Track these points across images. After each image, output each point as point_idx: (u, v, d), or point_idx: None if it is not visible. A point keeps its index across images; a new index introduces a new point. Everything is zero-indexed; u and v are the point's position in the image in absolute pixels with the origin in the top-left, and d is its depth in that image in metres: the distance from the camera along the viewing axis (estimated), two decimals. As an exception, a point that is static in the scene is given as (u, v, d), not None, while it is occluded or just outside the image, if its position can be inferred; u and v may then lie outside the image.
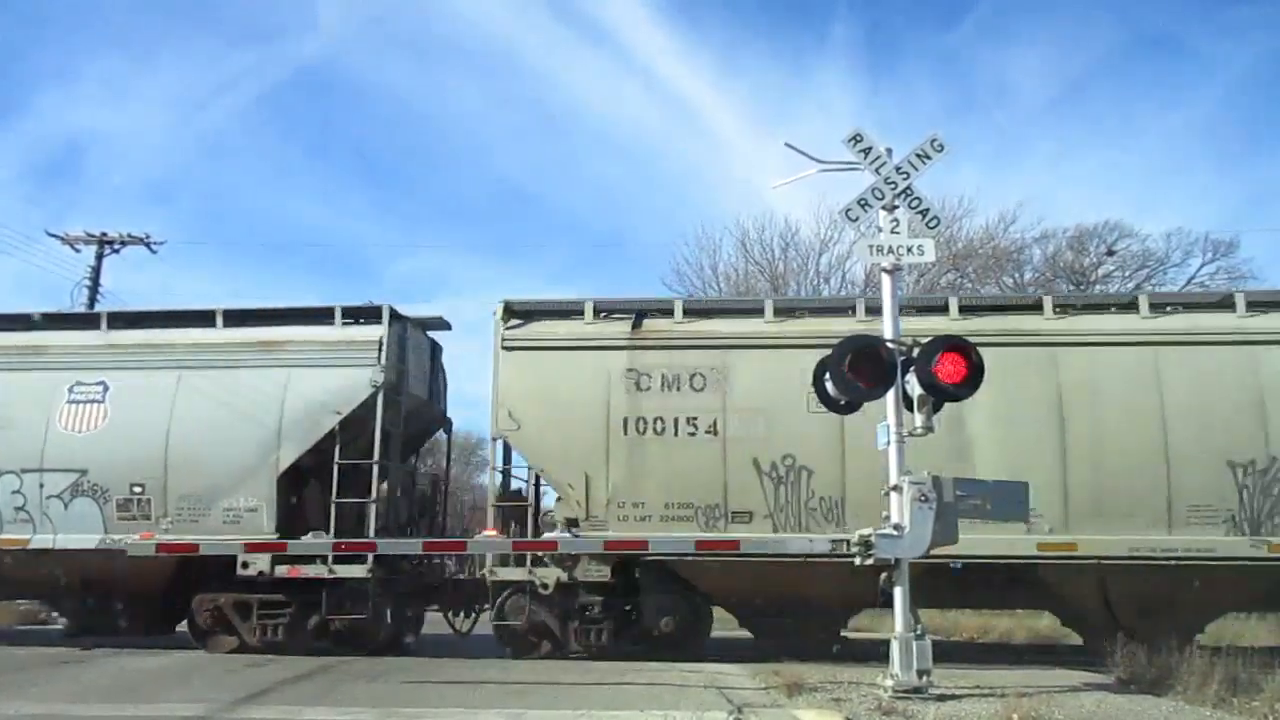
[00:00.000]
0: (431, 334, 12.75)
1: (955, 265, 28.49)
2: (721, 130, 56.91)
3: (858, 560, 7.67)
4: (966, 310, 10.97)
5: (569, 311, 11.29)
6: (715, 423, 10.51)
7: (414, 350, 12.01)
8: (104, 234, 26.23)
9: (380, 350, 11.17)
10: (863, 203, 8.26)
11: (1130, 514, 10.01)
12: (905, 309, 10.77)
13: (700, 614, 10.76)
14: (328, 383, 11.09)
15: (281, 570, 10.54)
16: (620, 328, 11.05)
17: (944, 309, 11.01)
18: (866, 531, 7.67)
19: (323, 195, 76.99)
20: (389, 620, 11.00)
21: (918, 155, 8.24)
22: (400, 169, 77.81)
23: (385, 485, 11.72)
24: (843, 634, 10.92)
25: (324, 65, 74.32)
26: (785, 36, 64.30)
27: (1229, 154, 54.48)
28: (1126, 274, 30.71)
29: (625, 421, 10.59)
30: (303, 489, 11.42)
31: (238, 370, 11.28)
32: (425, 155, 76.62)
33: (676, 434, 10.52)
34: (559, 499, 10.82)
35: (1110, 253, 30.21)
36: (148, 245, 26.77)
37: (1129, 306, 10.99)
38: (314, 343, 11.37)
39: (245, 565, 10.50)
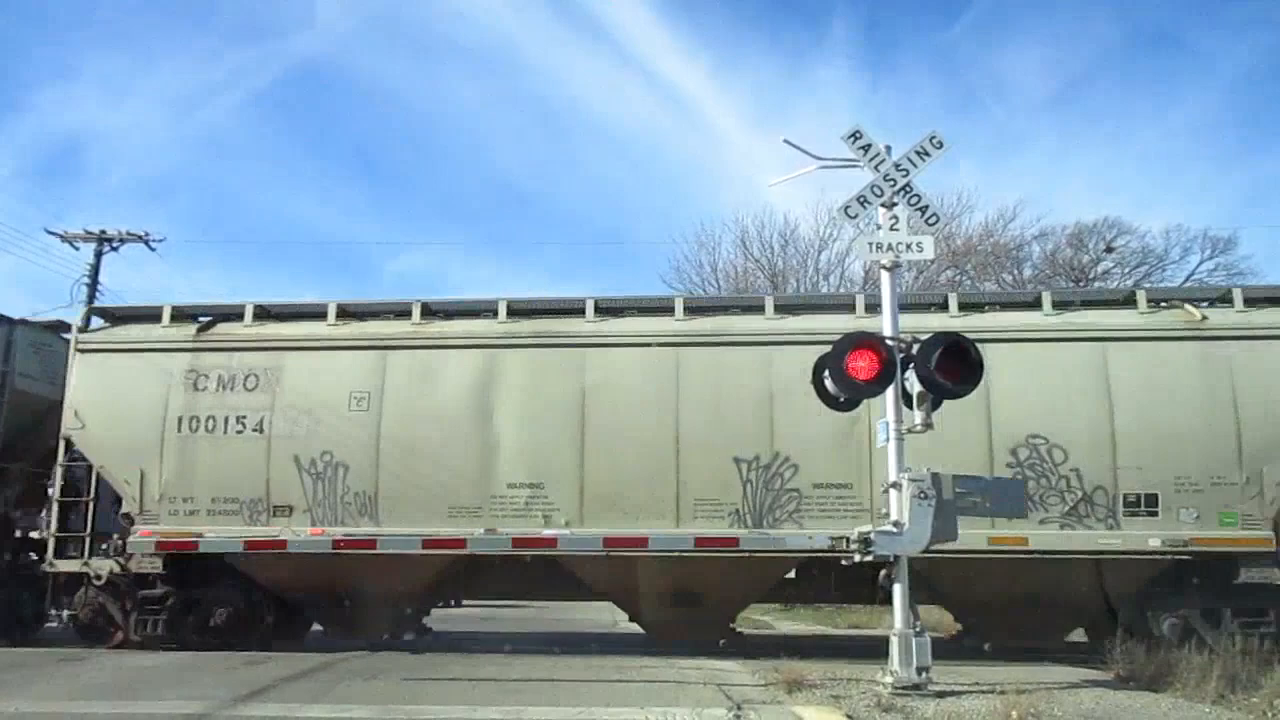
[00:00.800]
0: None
1: (954, 262, 28.51)
2: (721, 128, 56.98)
3: (857, 557, 7.68)
4: (513, 313, 11.22)
5: (153, 316, 11.60)
6: (262, 421, 10.81)
7: (32, 353, 12.34)
8: (103, 232, 26.28)
9: None
10: (861, 200, 8.26)
11: (643, 508, 10.28)
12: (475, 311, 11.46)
13: (259, 607, 10.98)
14: None
15: None
16: (189, 331, 11.38)
17: (493, 312, 11.27)
18: (866, 529, 7.69)
19: (322, 193, 76.98)
20: None
21: (917, 152, 8.23)
22: (400, 166, 77.80)
23: None
24: (426, 624, 11.75)
25: (323, 63, 74.29)
26: (785, 34, 64.31)
27: (1228, 151, 54.60)
28: (1125, 271, 30.77)
29: (180, 420, 10.89)
30: None
31: None
32: (425, 153, 76.62)
33: (226, 432, 10.82)
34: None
35: (1109, 249, 30.28)
36: (146, 243, 26.85)
37: (665, 310, 11.25)
38: None
39: None
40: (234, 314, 11.54)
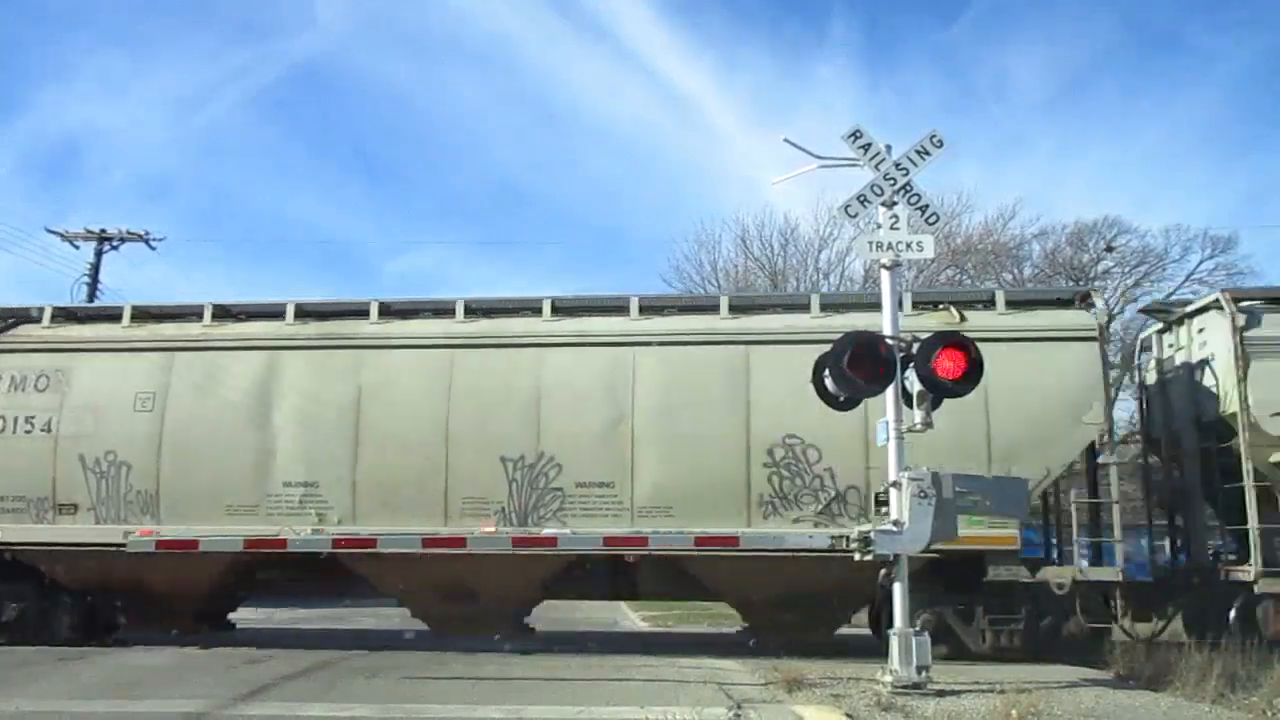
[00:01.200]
0: None
1: (954, 261, 28.51)
2: (721, 127, 56.98)
3: (857, 556, 7.68)
4: (302, 315, 11.48)
5: None
6: (51, 421, 11.07)
7: None
8: (103, 231, 26.27)
9: None
10: (862, 199, 8.25)
11: (413, 506, 10.53)
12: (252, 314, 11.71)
13: (58, 603, 11.06)
14: None
15: None
16: None
17: (282, 314, 11.48)
18: (866, 528, 7.69)
19: (322, 192, 76.91)
20: None
21: (917, 151, 8.22)
22: (399, 166, 77.76)
23: None
24: (231, 619, 12.38)
25: (323, 63, 74.24)
26: (784, 33, 64.27)
27: (1228, 150, 54.61)
28: (1126, 270, 30.81)
29: None
30: None
31: None
32: (425, 152, 76.56)
33: (15, 432, 11.08)
34: None
35: (1109, 249, 30.29)
36: (147, 242, 26.84)
37: (447, 313, 11.44)
38: None
39: None
40: (34, 316, 11.82)
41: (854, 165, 8.29)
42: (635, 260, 64.78)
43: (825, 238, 29.10)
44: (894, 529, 7.45)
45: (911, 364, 7.68)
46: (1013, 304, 10.85)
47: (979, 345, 10.12)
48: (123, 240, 26.52)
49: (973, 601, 10.06)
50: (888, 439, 7.71)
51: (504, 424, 10.56)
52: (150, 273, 76.98)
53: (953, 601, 10.07)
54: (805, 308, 11.05)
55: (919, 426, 7.67)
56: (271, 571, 11.20)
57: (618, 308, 11.29)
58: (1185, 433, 11.42)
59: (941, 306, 10.89)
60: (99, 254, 26.20)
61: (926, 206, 8.33)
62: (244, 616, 13.30)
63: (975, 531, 9.72)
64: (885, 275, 8.08)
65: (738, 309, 11.14)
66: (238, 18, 70.90)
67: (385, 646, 10.93)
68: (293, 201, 75.12)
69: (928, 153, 8.22)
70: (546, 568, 10.31)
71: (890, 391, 7.70)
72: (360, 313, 11.43)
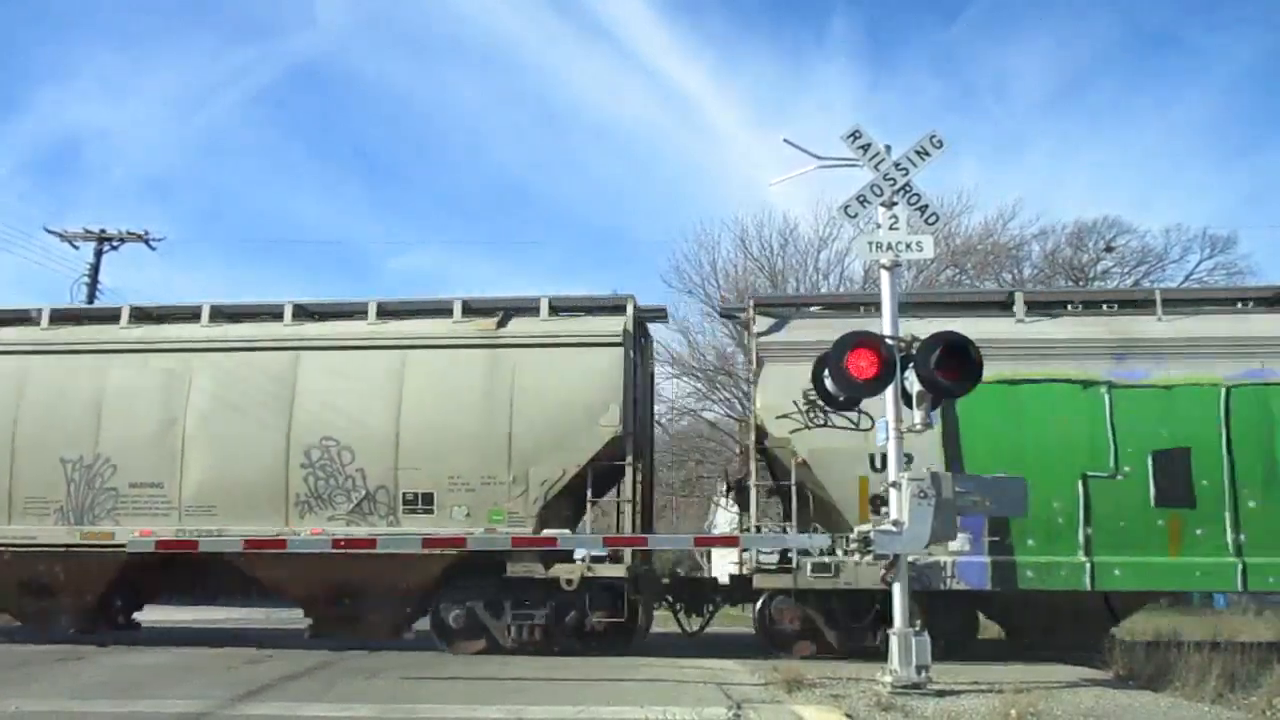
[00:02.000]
0: None
1: (954, 262, 28.49)
2: (721, 127, 57.00)
3: (856, 556, 7.68)
4: None
5: None
6: None
7: None
8: (103, 231, 26.24)
9: None
10: (861, 199, 8.25)
11: None
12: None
13: None
14: None
15: None
16: None
17: None
18: (865, 527, 7.69)
19: (322, 191, 76.92)
20: None
21: (916, 152, 8.23)
22: (400, 165, 77.75)
23: None
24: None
25: (324, 62, 74.21)
26: (785, 33, 64.27)
27: (1228, 150, 54.64)
28: (1125, 270, 30.80)
29: None
30: None
31: None
32: (425, 151, 76.55)
33: None
34: None
35: (1109, 249, 30.29)
36: (146, 242, 26.80)
37: (27, 320, 12.01)
38: None
39: None
40: None
41: (853, 165, 8.30)
42: (635, 260, 64.83)
43: (825, 238, 29.10)
44: (893, 529, 7.44)
45: (911, 364, 7.67)
46: (556, 310, 11.34)
47: (516, 350, 10.86)
48: (122, 240, 26.50)
49: (501, 597, 10.44)
50: (887, 439, 7.70)
51: (67, 426, 11.23)
52: (150, 273, 76.94)
53: (482, 597, 10.47)
54: (363, 314, 11.51)
55: (919, 427, 7.67)
56: None
57: (190, 315, 11.86)
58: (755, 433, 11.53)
59: (481, 313, 11.29)
60: (99, 254, 26.19)
61: (926, 206, 8.33)
62: (245, 616, 13.29)
63: (461, 530, 10.35)
64: (885, 275, 8.08)
65: (300, 315, 11.60)
66: (238, 18, 70.91)
67: (385, 647, 10.94)
68: (293, 201, 75.13)
69: (927, 153, 8.23)
70: (102, 567, 10.90)
71: (890, 391, 7.70)
72: None
